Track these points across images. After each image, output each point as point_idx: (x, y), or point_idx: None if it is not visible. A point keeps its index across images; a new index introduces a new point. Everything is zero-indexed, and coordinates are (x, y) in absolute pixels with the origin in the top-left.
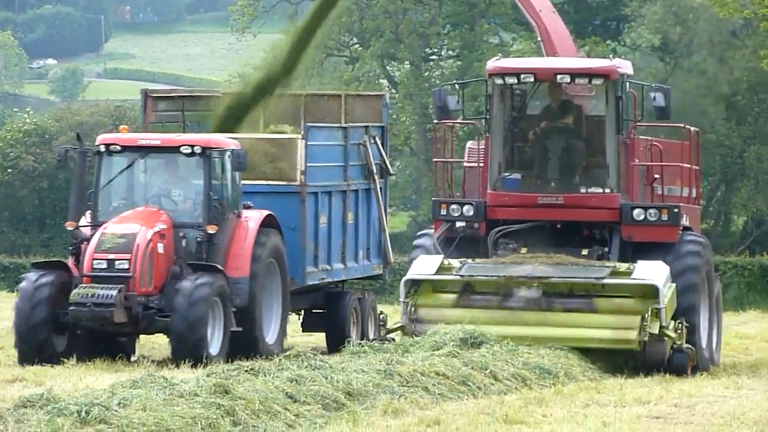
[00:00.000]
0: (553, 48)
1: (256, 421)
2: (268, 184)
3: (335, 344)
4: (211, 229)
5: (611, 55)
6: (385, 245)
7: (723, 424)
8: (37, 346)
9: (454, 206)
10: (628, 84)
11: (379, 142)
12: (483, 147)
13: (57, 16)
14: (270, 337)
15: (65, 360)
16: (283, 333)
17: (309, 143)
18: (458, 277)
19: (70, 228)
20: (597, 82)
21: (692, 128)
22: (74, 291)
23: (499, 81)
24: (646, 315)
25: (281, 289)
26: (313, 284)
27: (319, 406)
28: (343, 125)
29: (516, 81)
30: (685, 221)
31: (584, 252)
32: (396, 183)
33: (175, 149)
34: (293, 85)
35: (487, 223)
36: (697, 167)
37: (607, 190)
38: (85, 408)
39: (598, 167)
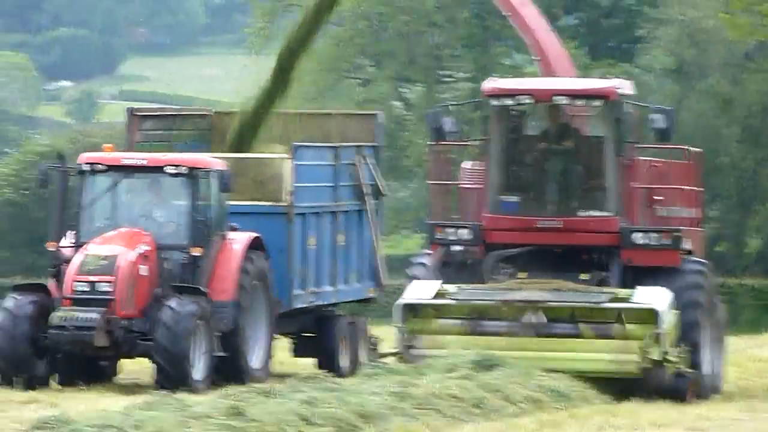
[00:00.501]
0: (550, 67)
1: None
2: (255, 205)
3: (326, 368)
4: (196, 252)
5: (610, 75)
6: (377, 268)
7: None
8: (16, 369)
9: (450, 230)
10: (628, 105)
11: (372, 163)
12: (479, 167)
13: (72, 38)
14: (255, 362)
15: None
16: (268, 357)
17: (297, 163)
18: (454, 302)
19: (50, 249)
20: (596, 103)
21: (694, 149)
22: (54, 314)
23: (495, 102)
24: (647, 340)
25: (267, 313)
26: (301, 307)
27: (333, 428)
28: (334, 145)
29: (513, 102)
30: (687, 245)
31: (584, 277)
32: (408, 204)
33: (159, 169)
34: (290, 104)
35: (484, 247)
36: (700, 189)
37: (607, 214)
38: (100, 430)
39: (598, 190)
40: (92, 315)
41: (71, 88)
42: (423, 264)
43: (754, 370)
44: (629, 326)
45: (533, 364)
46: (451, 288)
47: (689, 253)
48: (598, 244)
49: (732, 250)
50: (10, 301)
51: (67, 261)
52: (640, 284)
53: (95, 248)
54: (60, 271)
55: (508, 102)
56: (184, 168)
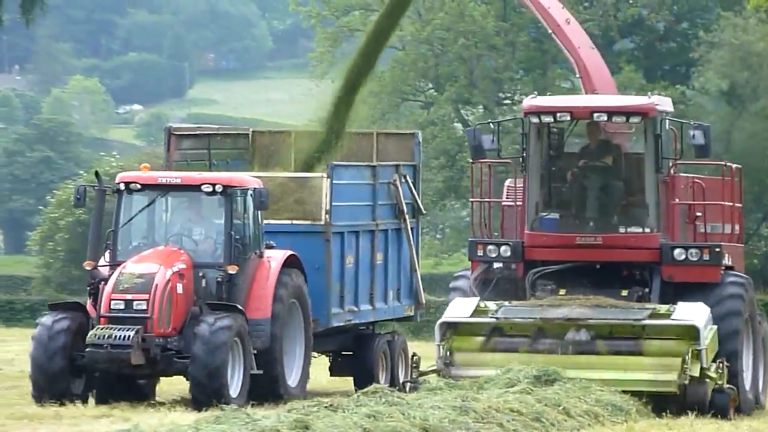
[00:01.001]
0: (592, 84)
1: None
2: (292, 224)
3: (362, 387)
4: (232, 269)
5: (650, 93)
6: (416, 286)
7: None
8: (54, 394)
9: (491, 247)
10: (667, 121)
11: (410, 181)
12: (521, 186)
13: (142, 63)
14: (292, 379)
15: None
16: (306, 376)
17: (334, 182)
18: (494, 319)
19: (88, 268)
20: (635, 120)
21: (734, 165)
22: (91, 332)
23: (535, 120)
24: (687, 357)
25: (304, 331)
26: (338, 326)
27: None
28: (372, 164)
29: (552, 120)
30: (727, 260)
31: (624, 293)
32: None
33: (196, 188)
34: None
35: (524, 264)
36: (740, 205)
37: (647, 230)
38: None
39: (638, 206)
40: (128, 333)
41: (141, 112)
42: (464, 280)
43: None
44: (669, 342)
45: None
46: (491, 305)
47: (730, 268)
48: (638, 260)
49: None
50: (47, 318)
51: (105, 280)
52: (681, 299)
53: (132, 267)
54: (98, 289)
55: (548, 119)
56: (219, 186)
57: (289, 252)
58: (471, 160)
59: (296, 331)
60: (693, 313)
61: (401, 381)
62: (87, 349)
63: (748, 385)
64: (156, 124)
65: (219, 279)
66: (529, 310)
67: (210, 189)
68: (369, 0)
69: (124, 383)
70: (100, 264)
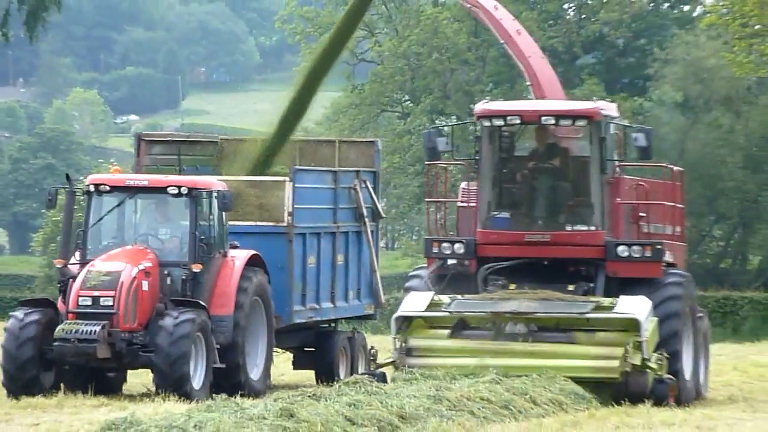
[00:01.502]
0: (542, 91)
1: None
2: (256, 225)
3: (323, 381)
4: (196, 268)
5: (595, 98)
6: (376, 286)
7: None
8: (24, 383)
9: (445, 244)
10: (611, 125)
11: (370, 187)
12: (474, 187)
13: (138, 76)
14: (254, 373)
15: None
16: (268, 370)
17: (297, 186)
18: (447, 313)
19: (58, 266)
20: (581, 123)
21: (676, 168)
22: (59, 327)
23: (486, 123)
24: (628, 347)
25: (266, 327)
26: (301, 323)
27: (375, 428)
28: (333, 169)
29: (503, 123)
30: (668, 258)
31: (570, 288)
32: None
33: (162, 190)
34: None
35: (477, 261)
36: (682, 206)
37: (592, 228)
38: (165, 430)
39: (584, 206)
40: (95, 328)
41: (138, 122)
42: (419, 277)
43: (755, 375)
44: (611, 334)
45: (521, 371)
46: (445, 299)
47: (671, 265)
48: (583, 256)
49: (735, 266)
50: (17, 314)
51: (74, 277)
52: (624, 294)
53: (99, 265)
54: (67, 287)
55: (499, 123)
56: (184, 188)
57: (252, 252)
58: (426, 162)
59: (259, 327)
60: (634, 306)
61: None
62: (55, 343)
63: (688, 375)
64: None
65: (184, 277)
66: (480, 303)
67: (176, 191)
68: None
69: (93, 376)
70: (70, 262)
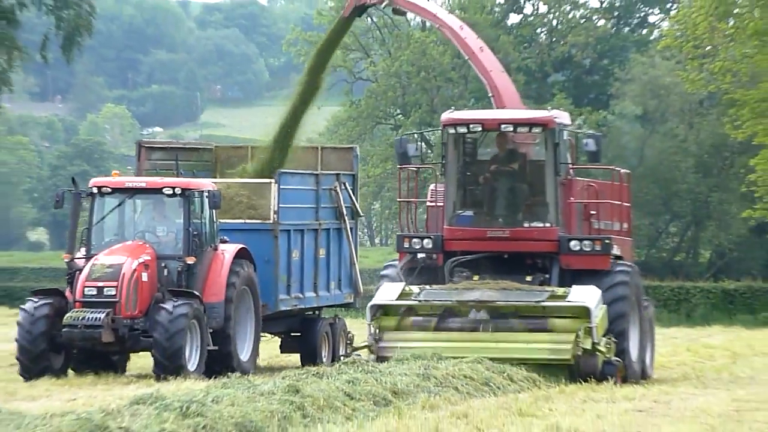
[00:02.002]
0: (502, 102)
1: (320, 414)
2: (245, 222)
3: (308, 363)
4: (190, 260)
5: (549, 107)
6: (355, 277)
7: (693, 416)
8: (35, 363)
9: (415, 240)
10: (565, 132)
11: (349, 188)
12: (442, 189)
13: (162, 93)
14: (244, 355)
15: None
16: (255, 352)
17: (281, 187)
18: (416, 301)
19: (66, 260)
20: (536, 130)
21: (623, 170)
22: (67, 314)
23: (452, 130)
24: (579, 332)
25: (254, 314)
26: (286, 310)
27: (371, 402)
28: (315, 172)
29: (466, 130)
30: (616, 251)
31: (528, 278)
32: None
33: (158, 191)
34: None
35: (444, 254)
36: (628, 204)
37: (547, 225)
38: (186, 404)
39: (540, 205)
40: (99, 315)
41: (161, 133)
42: (392, 269)
43: (706, 355)
44: (564, 320)
45: (484, 354)
46: (414, 289)
47: (619, 258)
48: (539, 250)
49: (688, 260)
50: (29, 303)
51: (81, 270)
52: (576, 284)
53: (103, 258)
54: (74, 278)
55: (462, 130)
56: (178, 189)
57: (240, 245)
58: (398, 166)
59: (247, 314)
60: (585, 295)
61: (340, 356)
62: (64, 329)
63: (634, 357)
64: None
65: (179, 269)
66: (446, 293)
67: (171, 191)
68: (348, 41)
69: (99, 359)
70: (76, 257)
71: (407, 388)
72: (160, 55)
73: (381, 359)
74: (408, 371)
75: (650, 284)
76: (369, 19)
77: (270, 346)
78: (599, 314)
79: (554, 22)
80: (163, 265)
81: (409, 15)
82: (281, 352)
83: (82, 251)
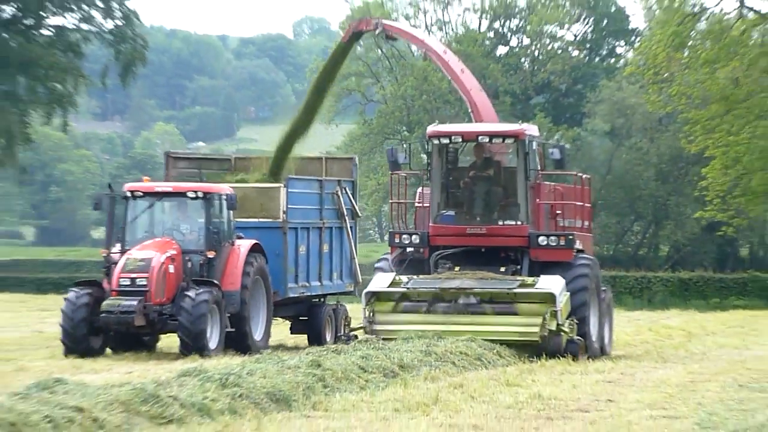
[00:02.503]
0: (480, 116)
1: (339, 384)
2: (258, 221)
3: (313, 343)
4: (211, 254)
5: (520, 121)
6: (355, 269)
7: (654, 386)
8: (77, 344)
9: (405, 236)
10: (534, 142)
11: (349, 192)
12: (428, 191)
13: (204, 113)
14: (257, 335)
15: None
16: (268, 333)
17: (290, 190)
18: (405, 289)
19: (103, 255)
20: (509, 141)
21: (584, 175)
22: (104, 302)
23: (436, 141)
24: (546, 316)
25: (266, 300)
26: (294, 297)
27: (381, 374)
28: (319, 178)
29: (448, 141)
30: (579, 245)
31: (502, 269)
32: None
33: (183, 194)
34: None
35: (429, 249)
36: (589, 205)
37: (519, 223)
38: (225, 376)
39: (512, 206)
40: (132, 302)
41: (204, 147)
42: (385, 261)
43: (665, 334)
44: (533, 305)
45: (464, 335)
46: (403, 278)
47: (581, 251)
48: (512, 245)
49: (650, 254)
50: (71, 293)
51: (116, 263)
52: (543, 274)
53: (135, 253)
54: (110, 270)
55: (445, 141)
56: (200, 193)
57: (254, 241)
58: (390, 172)
59: (260, 300)
60: (551, 283)
61: (338, 335)
62: (102, 315)
63: (594, 337)
64: None
65: (201, 261)
66: (431, 281)
67: (194, 195)
68: (362, 69)
69: (132, 340)
70: (112, 252)
71: (412, 362)
72: (202, 81)
73: (378, 339)
74: (412, 348)
75: (617, 274)
76: (379, 50)
77: (280, 329)
78: (563, 300)
79: (536, 53)
80: (187, 258)
81: (413, 47)
82: (291, 333)
83: (118, 246)
